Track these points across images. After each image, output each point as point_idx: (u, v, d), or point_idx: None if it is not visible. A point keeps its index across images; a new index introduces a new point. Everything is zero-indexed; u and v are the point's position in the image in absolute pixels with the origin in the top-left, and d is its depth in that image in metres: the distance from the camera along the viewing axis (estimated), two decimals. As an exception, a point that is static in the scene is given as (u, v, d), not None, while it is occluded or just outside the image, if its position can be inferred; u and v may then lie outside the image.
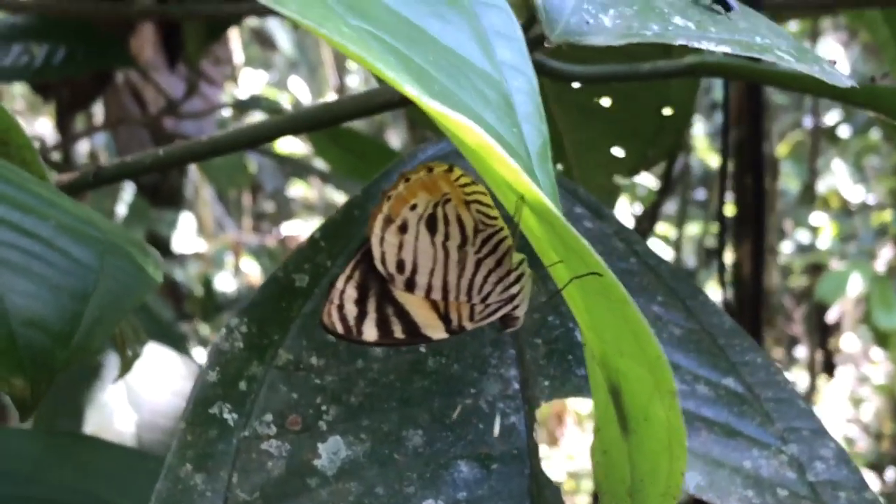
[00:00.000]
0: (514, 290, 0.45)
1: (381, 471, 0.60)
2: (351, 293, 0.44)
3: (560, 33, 0.60)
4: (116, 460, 0.89)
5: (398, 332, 0.44)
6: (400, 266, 0.43)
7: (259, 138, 0.82)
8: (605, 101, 0.95)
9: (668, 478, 0.41)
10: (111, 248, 0.66)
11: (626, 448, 0.43)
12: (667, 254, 3.20)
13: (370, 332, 0.44)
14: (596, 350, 0.42)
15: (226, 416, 0.60)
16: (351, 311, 0.44)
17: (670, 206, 3.33)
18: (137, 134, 1.66)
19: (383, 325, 0.44)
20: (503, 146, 0.43)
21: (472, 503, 0.60)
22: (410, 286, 0.44)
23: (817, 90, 0.74)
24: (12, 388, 0.59)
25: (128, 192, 2.51)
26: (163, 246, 2.52)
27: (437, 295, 0.44)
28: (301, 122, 0.81)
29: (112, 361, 1.29)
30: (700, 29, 0.60)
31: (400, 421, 0.61)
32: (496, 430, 0.61)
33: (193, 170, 2.61)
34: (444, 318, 0.45)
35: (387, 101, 0.77)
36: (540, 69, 0.74)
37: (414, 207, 0.43)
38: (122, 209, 2.45)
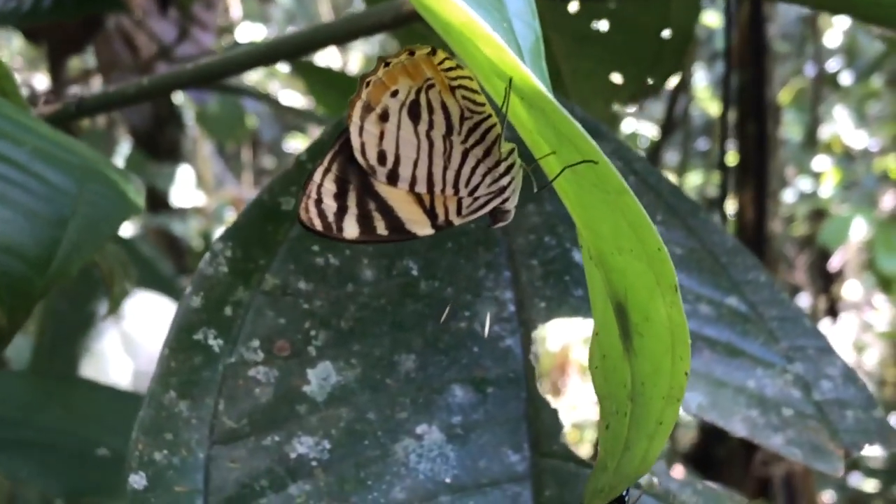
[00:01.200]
0: (503, 181, 0.42)
1: (373, 396, 0.58)
2: (329, 187, 0.41)
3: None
4: (107, 401, 0.88)
5: (381, 228, 0.42)
6: (381, 157, 0.41)
7: (243, 65, 0.80)
8: (603, 25, 0.93)
9: (671, 378, 0.39)
10: (90, 174, 0.64)
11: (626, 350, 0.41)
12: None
13: (351, 229, 0.42)
14: (592, 248, 0.40)
15: (210, 342, 0.58)
16: (330, 205, 0.41)
17: (672, 156, 3.30)
18: (129, 80, 1.63)
19: (365, 221, 0.42)
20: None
21: (468, 427, 0.58)
22: (393, 179, 0.41)
23: (827, 4, 0.72)
24: (-11, 315, 0.57)
25: (124, 145, 2.49)
26: (161, 200, 2.50)
27: (421, 188, 0.42)
28: (284, 48, 0.79)
29: (106, 308, 1.28)
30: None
31: (392, 345, 0.60)
32: (486, 332, 0.59)
33: (192, 124, 2.59)
34: (430, 213, 0.42)
35: (373, 24, 0.74)
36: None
37: (395, 94, 0.40)
38: (118, 163, 2.43)
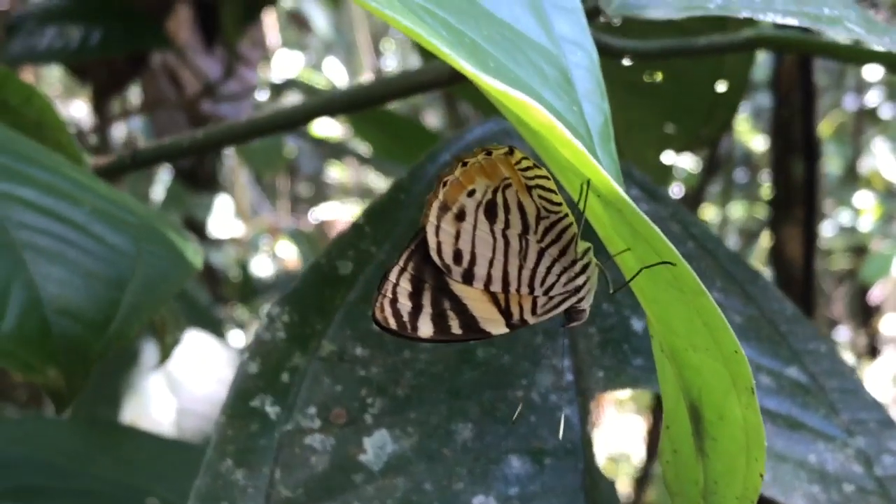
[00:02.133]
0: (579, 280, 0.42)
1: (429, 466, 0.57)
2: (405, 286, 0.41)
3: (617, 6, 0.57)
4: (154, 451, 0.87)
5: (455, 327, 0.41)
6: (457, 257, 0.40)
7: (297, 120, 0.80)
8: (657, 77, 0.93)
9: (745, 480, 0.39)
10: (148, 234, 0.64)
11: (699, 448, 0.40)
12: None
13: (426, 328, 0.41)
14: (665, 343, 0.39)
15: (267, 408, 0.58)
16: (405, 305, 0.41)
17: (711, 189, 3.29)
18: (174, 117, 1.63)
19: (439, 321, 0.41)
20: (565, 125, 0.41)
21: (525, 499, 0.57)
22: (468, 278, 0.41)
23: (885, 63, 0.71)
24: (46, 378, 0.57)
25: (164, 176, 2.49)
26: (199, 230, 2.50)
27: (496, 287, 0.41)
28: (338, 104, 0.79)
29: (150, 348, 1.28)
30: (765, 0, 0.57)
31: (449, 414, 0.59)
32: (560, 432, 0.58)
33: (230, 153, 2.60)
34: (505, 312, 0.42)
35: (426, 81, 0.74)
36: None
37: (472, 193, 0.40)
38: (158, 193, 2.44)
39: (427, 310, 0.41)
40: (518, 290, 0.41)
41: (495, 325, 0.42)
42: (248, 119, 0.79)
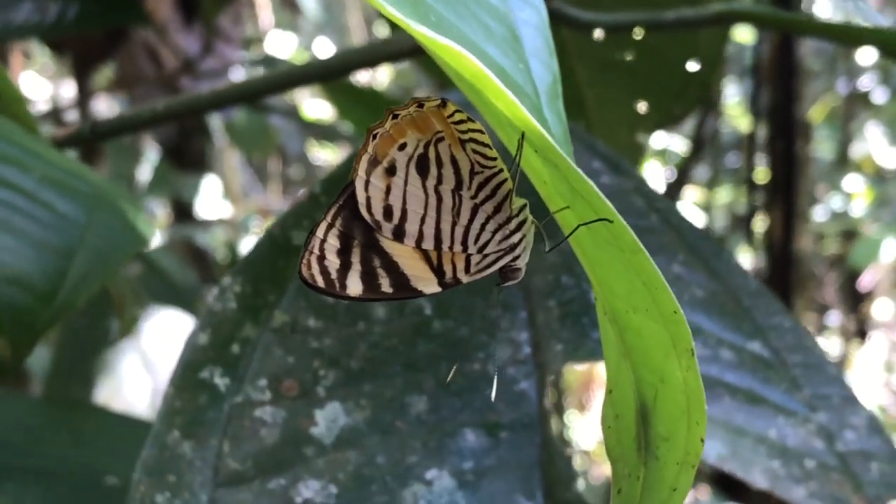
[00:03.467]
0: (514, 238, 0.40)
1: (383, 439, 0.56)
2: (333, 242, 0.40)
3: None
4: (118, 429, 0.86)
5: (385, 285, 0.40)
6: (387, 212, 0.39)
7: (275, 87, 0.79)
8: (628, 55, 0.91)
9: (686, 444, 0.38)
10: (100, 203, 0.63)
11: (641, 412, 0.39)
12: (698, 219, 3.15)
13: (355, 286, 0.40)
14: (606, 305, 0.38)
15: (216, 380, 0.57)
16: (333, 262, 0.40)
17: (702, 172, 3.28)
18: (153, 93, 1.62)
19: (369, 279, 0.40)
20: (507, 83, 0.39)
21: (479, 473, 0.56)
22: (399, 235, 0.39)
23: (853, 39, 0.70)
24: (-8, 347, 0.56)
25: (152, 156, 2.48)
26: (186, 210, 2.49)
27: (428, 244, 0.40)
28: (306, 74, 0.78)
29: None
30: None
31: (403, 386, 0.58)
32: (493, 393, 0.57)
33: (219, 134, 2.59)
34: (437, 271, 0.40)
35: (391, 52, 0.73)
36: (557, 16, 0.70)
37: (403, 147, 0.39)
38: (145, 173, 2.43)
39: (356, 267, 0.40)
40: (451, 248, 0.40)
41: (427, 284, 0.41)
42: (212, 90, 0.78)
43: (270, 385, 0.57)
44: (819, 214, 3.71)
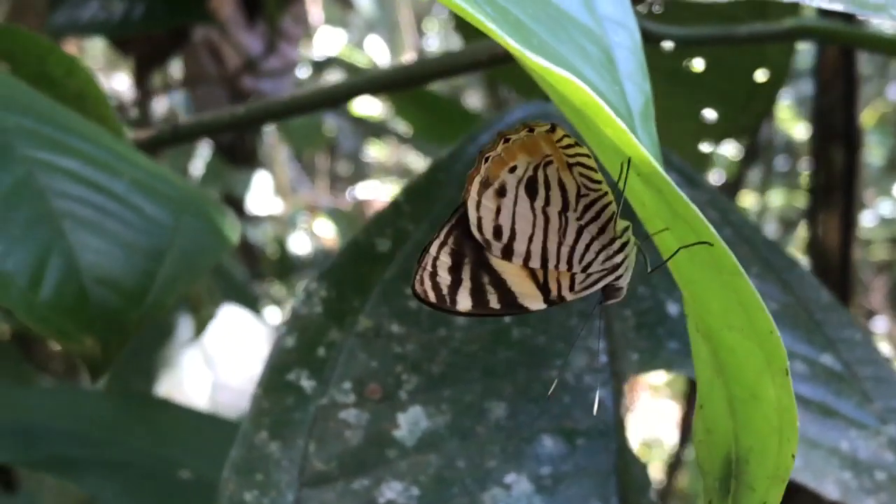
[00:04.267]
0: (617, 258, 0.42)
1: (462, 443, 0.58)
2: (445, 260, 0.41)
3: (660, -11, 0.57)
4: (188, 424, 0.88)
5: (494, 302, 0.41)
6: (497, 232, 0.41)
7: (338, 97, 0.80)
8: (698, 64, 0.92)
9: (776, 460, 0.39)
10: (186, 207, 0.64)
11: (733, 427, 0.40)
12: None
13: (464, 302, 0.41)
14: (701, 323, 0.39)
15: (303, 382, 0.58)
16: (444, 279, 0.41)
17: (753, 176, 3.27)
18: (215, 92, 1.64)
19: (478, 295, 0.41)
20: (605, 104, 0.41)
21: (557, 478, 0.57)
22: (508, 254, 0.41)
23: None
24: (82, 347, 0.57)
25: (204, 151, 2.50)
26: (238, 206, 2.51)
27: (535, 263, 0.41)
28: (379, 83, 0.79)
29: (186, 322, 1.28)
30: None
31: (482, 392, 0.59)
32: (594, 408, 0.59)
33: (270, 130, 2.60)
34: (543, 288, 0.42)
35: (466, 63, 0.74)
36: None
37: (513, 170, 0.40)
38: (198, 168, 2.45)
39: (466, 284, 0.41)
40: (556, 267, 0.42)
41: (533, 301, 0.42)
42: (290, 96, 0.80)
43: (355, 388, 0.58)
44: (867, 220, 3.69)
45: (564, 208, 0.41)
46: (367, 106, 3.34)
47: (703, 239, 0.35)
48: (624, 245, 0.42)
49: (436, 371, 0.59)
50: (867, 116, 3.41)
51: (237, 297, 1.46)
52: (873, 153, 3.81)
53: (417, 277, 0.41)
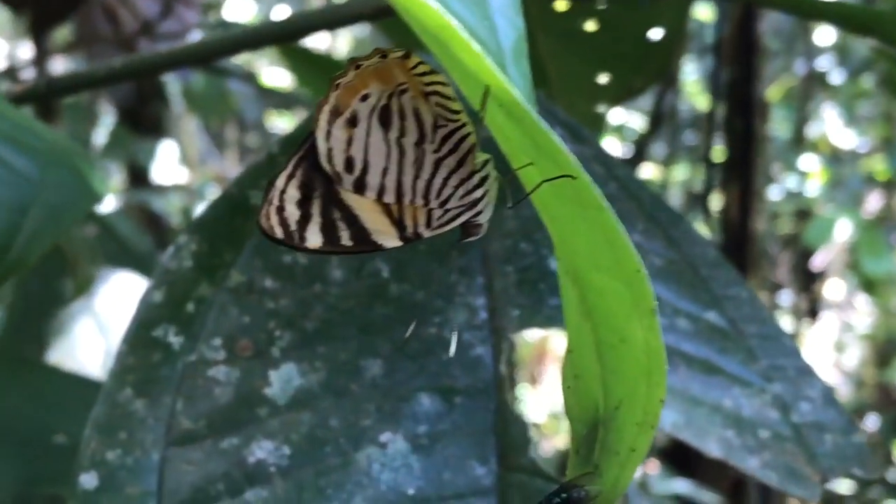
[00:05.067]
0: (476, 193, 0.40)
1: (337, 401, 0.56)
2: (293, 193, 0.39)
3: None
4: (68, 387, 0.86)
5: (345, 238, 0.40)
6: (349, 164, 0.39)
7: (232, 48, 0.77)
8: (590, 25, 0.91)
9: (645, 405, 0.38)
10: (54, 160, 0.62)
11: (601, 372, 0.39)
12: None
13: (314, 238, 0.40)
14: (568, 263, 0.38)
15: (171, 338, 0.56)
16: (292, 213, 0.39)
17: (660, 149, 3.29)
18: (111, 55, 1.60)
19: (329, 231, 0.39)
20: (471, 38, 0.39)
21: (433, 437, 0.56)
22: (360, 187, 0.39)
23: (815, 12, 0.70)
24: (-60, 303, 0.55)
25: (108, 119, 2.46)
26: (142, 175, 2.47)
27: (389, 197, 0.39)
28: (263, 35, 0.77)
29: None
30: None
31: (358, 349, 0.58)
32: (452, 349, 0.57)
33: (177, 99, 2.57)
34: (398, 224, 0.40)
35: (351, 14, 0.73)
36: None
37: (365, 98, 0.38)
38: (101, 137, 2.41)
39: (316, 219, 0.40)
40: (412, 202, 0.40)
41: (388, 238, 0.40)
42: (167, 49, 0.77)
43: (225, 344, 0.57)
44: (774, 194, 3.72)
45: (420, 140, 0.39)
46: (276, 78, 3.31)
47: (566, 172, 0.33)
48: (484, 179, 0.40)
49: (310, 327, 0.58)
50: (773, 91, 3.43)
51: (139, 265, 1.43)
52: (780, 127, 3.84)
53: (264, 212, 0.39)
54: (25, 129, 0.63)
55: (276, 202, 0.39)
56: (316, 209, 0.39)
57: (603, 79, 0.96)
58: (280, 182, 0.39)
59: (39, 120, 1.58)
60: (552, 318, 0.60)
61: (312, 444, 0.55)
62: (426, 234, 0.41)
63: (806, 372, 0.62)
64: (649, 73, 0.95)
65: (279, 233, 0.40)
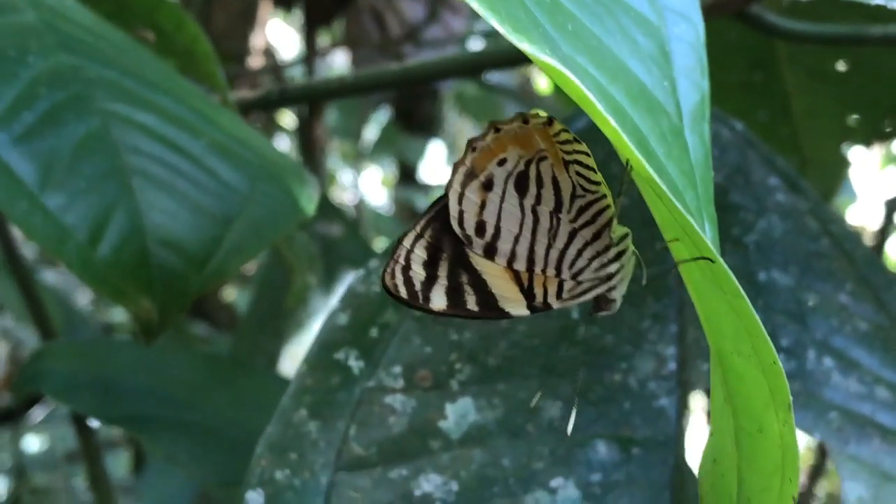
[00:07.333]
0: (611, 268, 0.38)
1: (511, 441, 0.55)
2: (420, 254, 0.38)
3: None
4: (278, 392, 0.87)
5: (471, 303, 0.39)
6: (480, 228, 0.38)
7: (475, 67, 0.77)
8: (841, 66, 0.88)
9: (778, 499, 0.36)
10: (264, 173, 0.63)
11: (737, 460, 0.37)
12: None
13: (439, 301, 0.39)
14: (713, 342, 0.36)
15: (351, 362, 0.57)
16: (418, 273, 0.38)
17: None
18: (375, 58, 1.63)
19: (454, 294, 0.39)
20: (648, 100, 0.38)
21: (606, 487, 0.55)
22: (490, 252, 0.38)
23: None
24: (139, 308, 0.56)
25: (381, 116, 2.50)
26: (410, 174, 2.51)
27: (520, 265, 0.38)
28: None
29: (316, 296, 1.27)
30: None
31: (539, 390, 0.57)
32: (569, 428, 0.56)
33: (449, 101, 2.60)
34: (527, 293, 0.39)
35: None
36: (755, 23, 0.68)
37: (503, 162, 0.37)
38: (371, 133, 2.45)
39: (442, 281, 0.39)
40: (544, 271, 0.39)
41: (515, 306, 0.39)
42: (419, 62, 0.78)
43: (405, 373, 0.56)
44: None
45: (557, 208, 0.38)
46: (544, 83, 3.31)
47: (703, 254, 0.32)
48: (620, 254, 0.39)
49: (492, 363, 0.57)
50: None
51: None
52: None
53: (388, 270, 0.39)
54: (240, 142, 0.64)
55: (402, 261, 0.39)
56: (443, 271, 0.39)
57: (852, 120, 0.93)
58: (408, 241, 0.39)
59: (303, 114, 1.62)
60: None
61: (481, 483, 0.54)
62: (556, 305, 0.39)
63: None
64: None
65: (403, 292, 0.39)
